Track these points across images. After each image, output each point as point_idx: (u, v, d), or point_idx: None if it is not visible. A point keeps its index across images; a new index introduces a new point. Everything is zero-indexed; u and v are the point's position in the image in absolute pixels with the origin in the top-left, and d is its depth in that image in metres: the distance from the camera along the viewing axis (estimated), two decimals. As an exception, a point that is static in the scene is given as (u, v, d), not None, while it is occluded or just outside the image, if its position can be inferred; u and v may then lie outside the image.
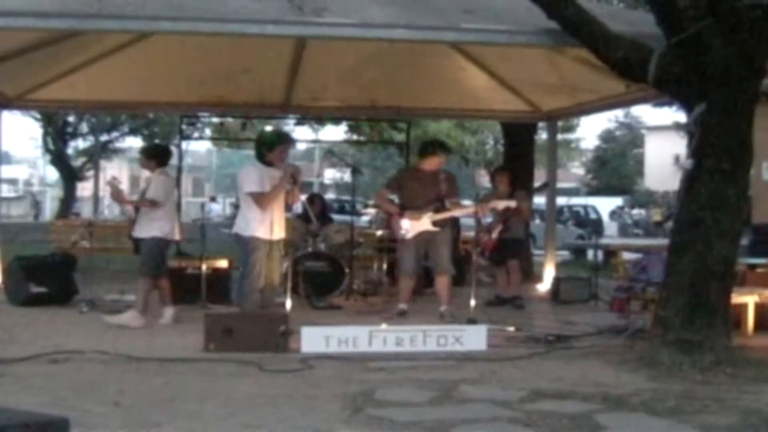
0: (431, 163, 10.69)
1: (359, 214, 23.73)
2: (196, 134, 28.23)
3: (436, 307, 10.51)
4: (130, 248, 16.46)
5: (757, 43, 7.77)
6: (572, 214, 35.59)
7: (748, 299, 9.56)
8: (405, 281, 10.77)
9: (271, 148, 9.29)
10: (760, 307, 9.62)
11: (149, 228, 9.85)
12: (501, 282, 12.30)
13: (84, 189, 42.46)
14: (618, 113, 60.82)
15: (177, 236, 10.25)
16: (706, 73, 7.90)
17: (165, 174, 10.13)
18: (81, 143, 38.64)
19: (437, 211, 10.50)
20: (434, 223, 10.46)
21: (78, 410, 5.82)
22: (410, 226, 10.44)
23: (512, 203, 11.06)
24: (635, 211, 46.30)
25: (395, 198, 10.99)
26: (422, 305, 11.12)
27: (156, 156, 10.29)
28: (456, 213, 10.79)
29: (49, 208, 51.00)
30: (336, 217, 17.44)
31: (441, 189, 10.53)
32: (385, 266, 13.21)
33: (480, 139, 37.58)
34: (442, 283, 10.63)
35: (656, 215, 42.48)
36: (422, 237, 10.49)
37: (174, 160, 12.24)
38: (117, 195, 10.83)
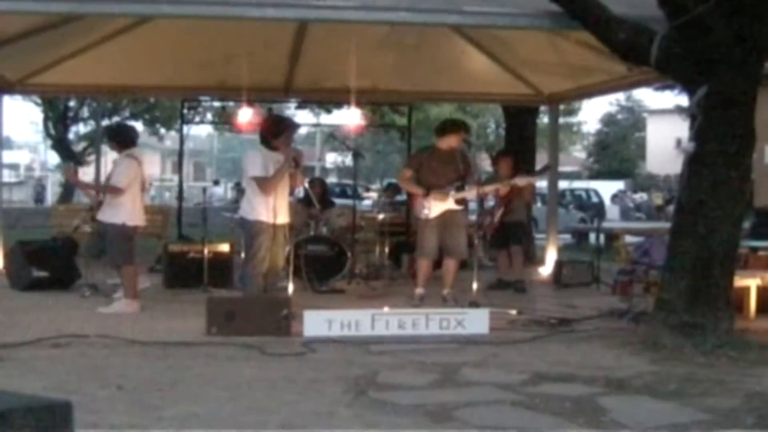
0: (449, 142, 10.53)
1: (361, 198, 23.75)
2: (197, 118, 28.37)
3: (439, 290, 10.47)
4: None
5: (760, 26, 7.75)
6: (574, 197, 35.57)
7: (750, 282, 9.55)
8: (425, 263, 10.54)
9: (277, 134, 9.26)
10: (762, 291, 9.61)
11: (114, 213, 9.67)
12: (502, 265, 12.30)
13: (85, 174, 42.44)
14: (620, 97, 60.88)
15: (140, 222, 9.97)
16: (709, 56, 7.88)
17: (131, 157, 9.86)
18: (82, 128, 38.62)
19: (458, 190, 10.42)
20: (457, 201, 10.38)
21: (81, 394, 5.82)
22: (434, 206, 10.33)
23: (533, 179, 11.04)
24: (637, 195, 46.21)
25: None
26: (429, 289, 11.08)
27: (118, 137, 10.09)
28: (474, 193, 10.60)
29: (50, 193, 51.03)
30: (338, 201, 17.44)
31: (460, 168, 10.46)
32: (387, 250, 13.20)
33: (481, 122, 37.63)
34: (451, 265, 10.52)
35: (657, 199, 42.43)
36: (444, 217, 10.35)
37: (175, 144, 12.19)
38: (75, 182, 10.67)
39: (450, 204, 10.32)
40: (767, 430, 5.44)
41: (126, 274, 9.79)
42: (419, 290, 10.45)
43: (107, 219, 9.71)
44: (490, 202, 12.16)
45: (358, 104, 15.04)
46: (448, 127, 10.75)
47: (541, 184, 16.23)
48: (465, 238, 10.61)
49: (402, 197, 14.74)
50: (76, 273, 11.44)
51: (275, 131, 9.30)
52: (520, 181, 10.94)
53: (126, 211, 9.67)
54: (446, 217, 10.34)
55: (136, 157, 9.97)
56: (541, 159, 17.29)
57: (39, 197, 48.38)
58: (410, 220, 11.12)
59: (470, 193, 10.47)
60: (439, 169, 10.40)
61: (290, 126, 9.68)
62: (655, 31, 8.14)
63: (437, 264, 10.79)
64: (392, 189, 15.83)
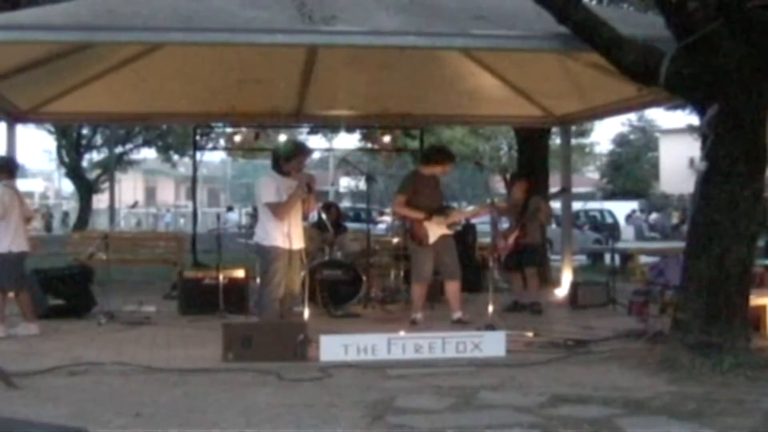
0: (434, 170, 10.70)
1: (375, 222, 23.76)
2: (210, 145, 28.46)
3: (467, 313, 10.48)
4: (147, 259, 16.58)
5: (768, 44, 7.75)
6: (588, 218, 35.54)
7: (766, 301, 9.52)
8: (423, 288, 10.69)
9: (289, 159, 9.28)
10: (778, 309, 9.58)
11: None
12: (517, 287, 12.28)
13: (100, 201, 42.66)
14: (631, 117, 60.88)
15: (20, 248, 9.98)
16: (718, 75, 7.89)
17: (7, 186, 9.95)
18: (95, 155, 38.83)
19: (445, 213, 10.55)
20: (448, 225, 10.50)
21: (98, 422, 5.84)
22: (431, 231, 10.43)
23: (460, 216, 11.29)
24: (652, 216, 46.04)
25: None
26: (441, 312, 11.09)
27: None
28: (460, 217, 10.75)
29: (59, 220, 51.33)
30: (352, 225, 17.46)
31: (441, 193, 10.63)
32: (402, 273, 13.21)
33: (494, 145, 37.59)
34: (455, 287, 10.59)
35: (675, 218, 42.43)
36: (439, 242, 10.48)
37: (189, 171, 12.22)
38: None
39: (444, 229, 10.45)
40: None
41: (18, 300, 9.94)
42: (419, 315, 10.56)
43: None
44: (505, 224, 12.16)
45: (370, 128, 15.11)
46: (438, 156, 10.90)
47: (555, 205, 16.21)
48: (457, 259, 10.76)
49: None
50: (91, 300, 11.47)
51: (287, 156, 9.32)
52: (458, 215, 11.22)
53: (8, 239, 9.81)
54: (441, 241, 10.48)
55: (12, 187, 10.06)
56: (555, 180, 17.30)
57: (48, 226, 48.57)
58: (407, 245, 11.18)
59: (459, 216, 10.66)
60: (429, 194, 10.62)
61: (302, 151, 9.69)
62: (664, 52, 8.16)
63: (440, 288, 10.87)
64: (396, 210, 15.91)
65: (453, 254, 10.65)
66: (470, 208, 11.19)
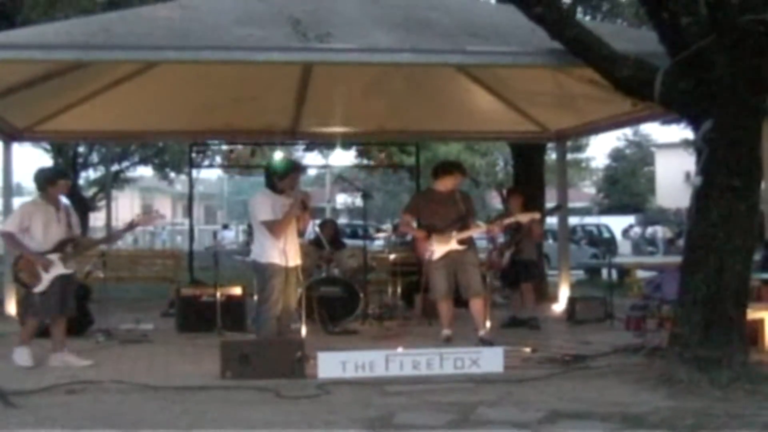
0: (446, 183, 10.55)
1: (372, 239, 23.77)
2: (206, 162, 28.44)
3: (463, 329, 10.41)
4: (144, 277, 16.55)
5: (761, 59, 7.77)
6: (585, 233, 35.54)
7: (763, 315, 9.52)
8: (442, 305, 10.44)
9: (283, 177, 9.29)
10: (775, 323, 9.58)
11: None
12: (515, 303, 12.28)
13: (97, 219, 42.57)
14: (627, 132, 60.87)
15: None
16: (712, 90, 7.91)
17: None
18: (92, 173, 38.73)
19: (461, 230, 10.38)
20: (459, 242, 10.33)
21: (96, 441, 5.83)
22: (436, 247, 10.31)
23: (536, 215, 11.02)
24: (650, 229, 45.99)
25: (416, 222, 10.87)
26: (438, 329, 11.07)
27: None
28: (478, 231, 10.60)
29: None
30: (349, 241, 17.45)
31: (461, 209, 10.45)
32: (399, 290, 13.19)
33: (490, 160, 37.60)
34: (476, 305, 10.29)
35: (668, 233, 42.40)
36: (450, 258, 10.31)
37: (185, 188, 12.17)
38: None
39: (453, 245, 10.29)
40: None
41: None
42: (446, 332, 10.34)
43: None
44: (500, 240, 12.15)
45: (366, 145, 15.11)
46: (442, 169, 10.75)
47: (552, 220, 16.21)
48: (478, 275, 10.54)
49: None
50: (89, 319, 11.44)
51: (281, 175, 9.32)
52: (523, 217, 10.93)
53: None
54: (452, 257, 10.30)
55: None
56: (551, 195, 17.32)
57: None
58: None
59: (473, 232, 10.48)
60: (439, 211, 10.40)
61: (295, 169, 9.69)
62: (658, 67, 8.19)
63: (458, 304, 10.73)
64: (399, 228, 15.91)
65: (468, 270, 10.35)
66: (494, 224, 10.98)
